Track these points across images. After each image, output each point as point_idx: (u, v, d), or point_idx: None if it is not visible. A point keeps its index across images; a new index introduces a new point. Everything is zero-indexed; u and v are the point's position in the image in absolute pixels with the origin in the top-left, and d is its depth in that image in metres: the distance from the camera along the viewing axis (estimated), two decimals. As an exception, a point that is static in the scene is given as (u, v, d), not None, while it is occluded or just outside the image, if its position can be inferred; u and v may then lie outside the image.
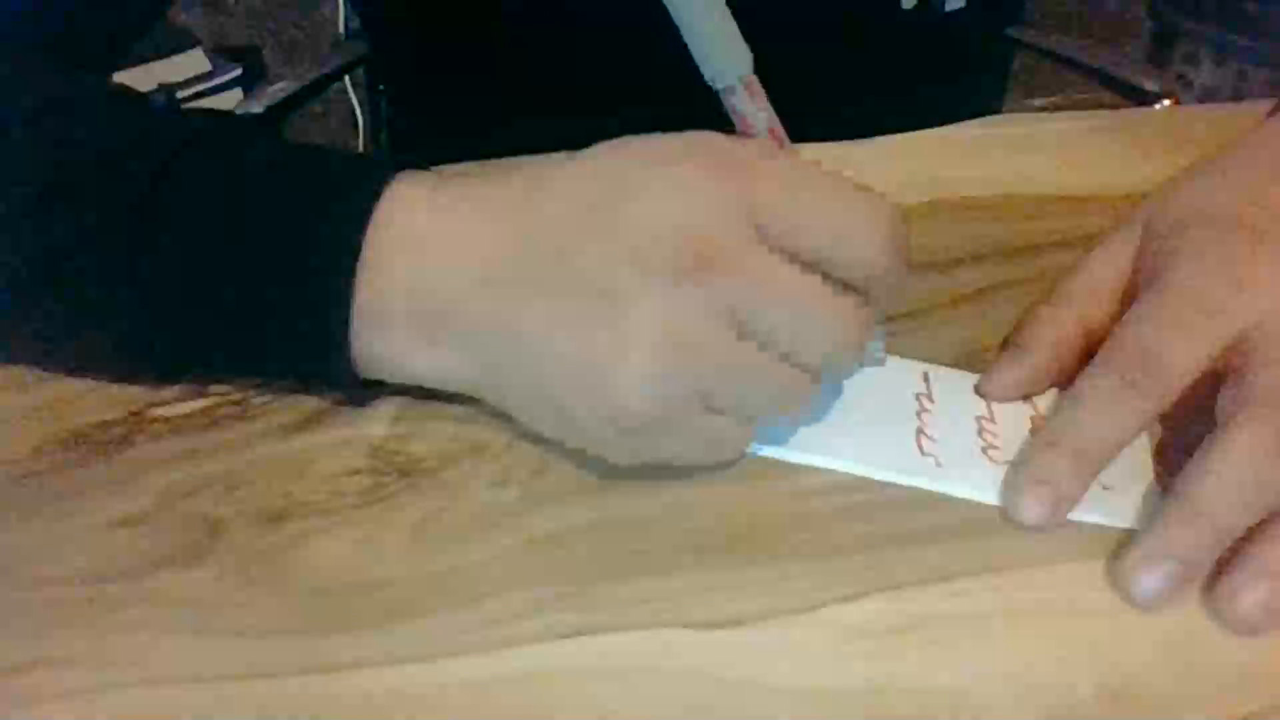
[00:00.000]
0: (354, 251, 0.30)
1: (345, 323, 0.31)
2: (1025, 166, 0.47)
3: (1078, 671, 0.28)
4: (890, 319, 0.38)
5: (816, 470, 0.33)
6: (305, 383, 0.35)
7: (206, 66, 1.50)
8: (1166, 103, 0.81)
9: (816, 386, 0.31)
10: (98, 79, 0.38)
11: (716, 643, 0.28)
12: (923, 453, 0.33)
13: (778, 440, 0.33)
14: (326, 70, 0.87)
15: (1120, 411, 0.31)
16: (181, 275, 0.32)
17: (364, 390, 0.34)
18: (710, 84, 0.33)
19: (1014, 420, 0.35)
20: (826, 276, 0.29)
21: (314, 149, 0.34)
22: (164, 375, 0.36)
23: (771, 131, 0.33)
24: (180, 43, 1.48)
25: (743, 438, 0.31)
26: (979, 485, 0.32)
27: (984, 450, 0.34)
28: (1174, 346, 0.32)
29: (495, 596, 0.29)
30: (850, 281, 0.30)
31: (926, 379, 0.36)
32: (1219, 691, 0.27)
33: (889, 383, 0.35)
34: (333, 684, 0.27)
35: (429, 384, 0.33)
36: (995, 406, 0.35)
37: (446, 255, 0.31)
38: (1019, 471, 0.32)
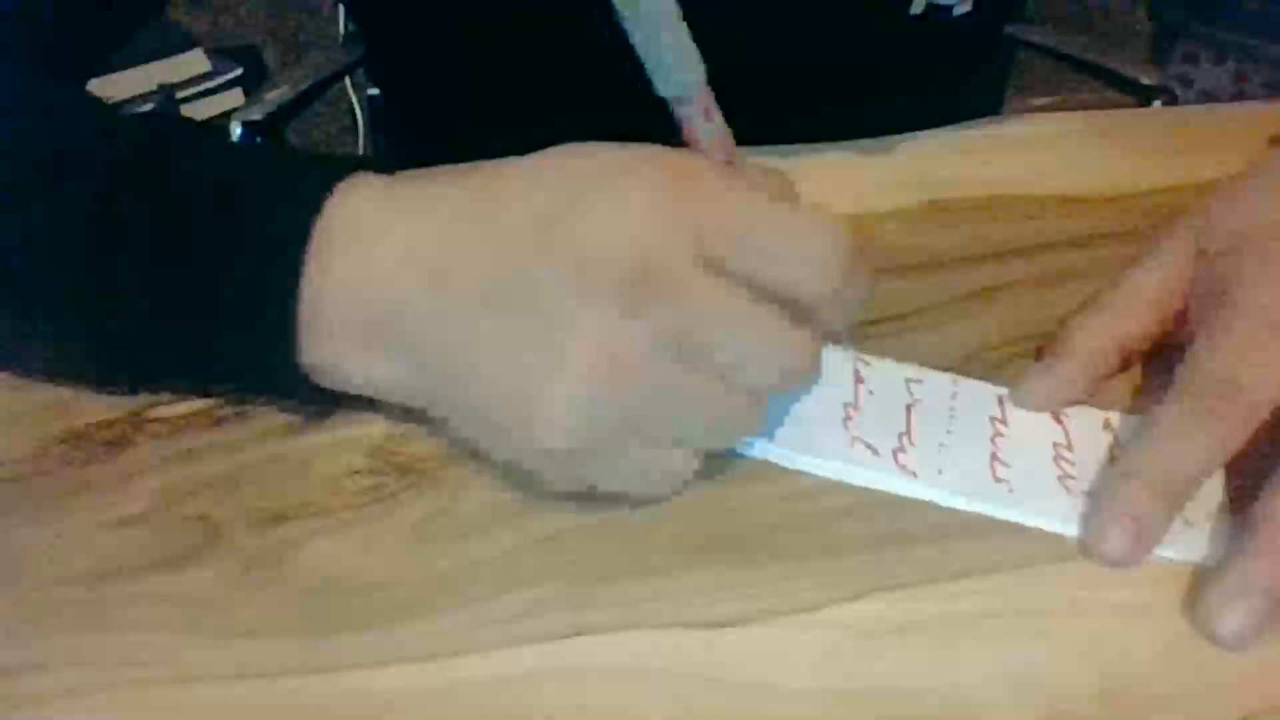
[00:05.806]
0: (298, 259, 0.30)
1: (289, 331, 0.30)
2: (1025, 166, 0.47)
3: (1078, 671, 0.28)
4: (890, 320, 0.38)
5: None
6: (261, 394, 0.34)
7: (206, 66, 1.50)
8: (1162, 102, 0.81)
9: (762, 412, 0.30)
10: (57, 84, 0.37)
11: (716, 643, 0.28)
12: (996, 479, 0.32)
13: (850, 461, 0.33)
14: (326, 73, 0.87)
15: (1200, 441, 0.30)
16: (127, 286, 0.31)
17: (322, 400, 0.33)
18: (658, 93, 0.32)
19: (1092, 449, 0.33)
20: (774, 300, 0.29)
21: (265, 150, 0.33)
22: (115, 387, 0.35)
23: (719, 145, 0.32)
24: (180, 43, 1.48)
25: (685, 469, 0.30)
26: (1055, 516, 0.31)
27: (1060, 479, 0.32)
28: (1251, 371, 0.30)
29: (495, 596, 0.29)
30: (799, 304, 0.29)
31: (1001, 403, 0.35)
32: (1219, 691, 0.27)
33: (964, 406, 0.34)
34: (332, 684, 0.27)
35: (371, 394, 0.33)
36: (1073, 434, 0.34)
37: (389, 263, 0.30)
38: (1098, 504, 0.31)
